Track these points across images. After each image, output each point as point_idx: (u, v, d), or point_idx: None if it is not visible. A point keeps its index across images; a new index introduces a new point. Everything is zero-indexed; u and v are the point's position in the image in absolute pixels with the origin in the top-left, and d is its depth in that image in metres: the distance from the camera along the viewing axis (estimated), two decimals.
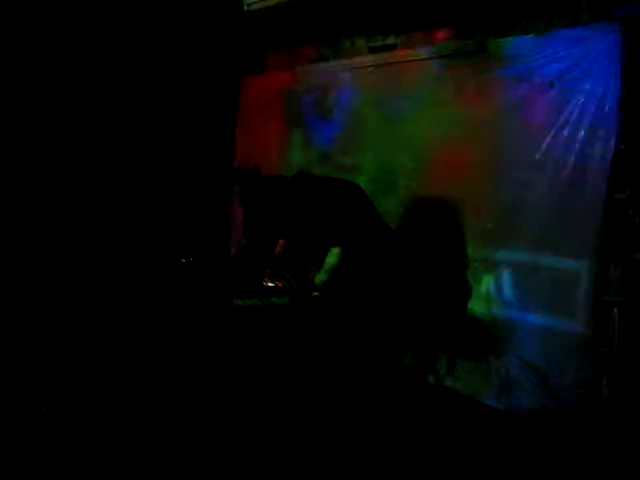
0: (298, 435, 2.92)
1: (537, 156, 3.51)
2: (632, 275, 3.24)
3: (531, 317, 3.57)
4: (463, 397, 3.59)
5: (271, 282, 3.16)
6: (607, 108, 3.22)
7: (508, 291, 3.70)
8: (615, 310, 3.28)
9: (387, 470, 2.72)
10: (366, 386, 3.33)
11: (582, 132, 3.32)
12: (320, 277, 3.12)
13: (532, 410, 3.35)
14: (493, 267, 3.74)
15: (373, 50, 4.42)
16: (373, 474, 2.69)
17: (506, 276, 3.70)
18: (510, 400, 3.46)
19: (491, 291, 3.77)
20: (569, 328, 3.42)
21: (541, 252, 3.51)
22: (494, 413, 3.42)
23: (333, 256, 3.10)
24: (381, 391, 3.44)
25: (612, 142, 3.21)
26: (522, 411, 3.37)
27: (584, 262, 3.37)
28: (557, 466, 2.85)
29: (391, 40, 4.28)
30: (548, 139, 3.46)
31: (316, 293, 3.10)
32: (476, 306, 3.81)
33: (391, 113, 4.21)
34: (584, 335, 3.37)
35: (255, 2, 4.05)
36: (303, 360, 3.14)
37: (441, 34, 4.03)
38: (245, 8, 4.01)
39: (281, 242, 3.49)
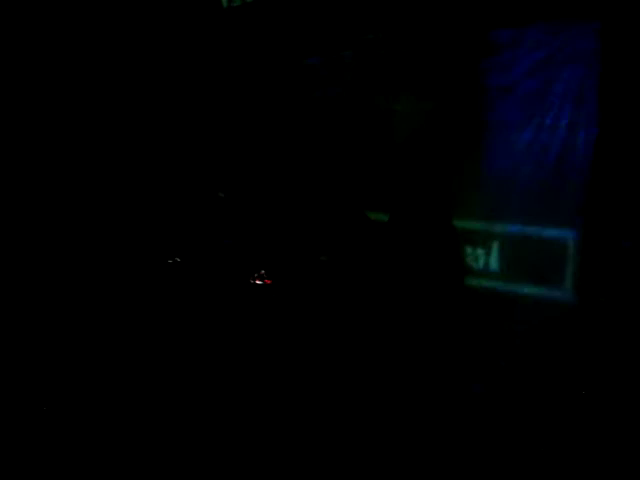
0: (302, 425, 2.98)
1: (523, 141, 3.57)
2: (618, 262, 3.26)
3: (523, 292, 3.64)
4: (455, 381, 3.64)
5: (260, 280, 3.21)
6: (586, 95, 3.28)
7: (498, 265, 3.76)
8: (603, 298, 3.31)
9: (384, 457, 2.80)
10: (362, 376, 3.38)
11: (563, 119, 3.40)
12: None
13: (523, 395, 3.39)
14: (485, 243, 3.80)
15: None
16: (373, 461, 2.77)
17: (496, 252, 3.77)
18: (500, 383, 3.50)
19: (483, 266, 3.82)
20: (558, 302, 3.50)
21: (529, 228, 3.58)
22: (484, 399, 3.46)
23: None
24: (378, 379, 3.48)
25: (592, 128, 3.27)
26: (513, 396, 3.41)
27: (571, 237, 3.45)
28: (552, 452, 2.90)
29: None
30: (532, 126, 3.52)
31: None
32: (470, 283, 3.85)
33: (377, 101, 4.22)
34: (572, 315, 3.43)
35: None
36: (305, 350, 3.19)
37: None
38: (225, 5, 3.96)
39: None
